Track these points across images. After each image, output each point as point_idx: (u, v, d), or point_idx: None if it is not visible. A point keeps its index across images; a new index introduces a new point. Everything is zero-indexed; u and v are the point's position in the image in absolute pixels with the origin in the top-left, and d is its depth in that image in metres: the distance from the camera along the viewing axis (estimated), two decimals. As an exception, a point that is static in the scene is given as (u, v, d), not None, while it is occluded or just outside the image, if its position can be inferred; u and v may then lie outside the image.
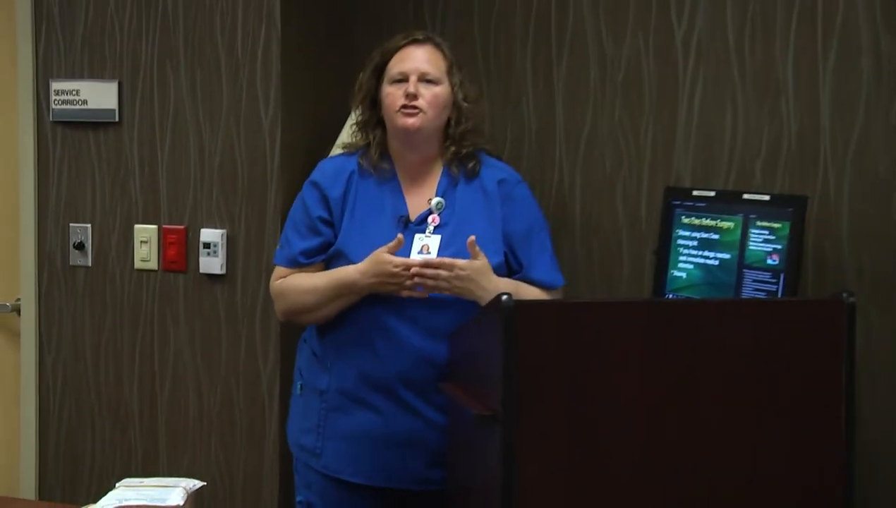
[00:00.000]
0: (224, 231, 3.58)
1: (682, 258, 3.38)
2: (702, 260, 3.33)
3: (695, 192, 3.40)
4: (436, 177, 3.02)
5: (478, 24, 3.82)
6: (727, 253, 3.27)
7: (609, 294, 3.67)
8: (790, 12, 3.43)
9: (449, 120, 3.02)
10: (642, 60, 3.61)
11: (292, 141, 3.57)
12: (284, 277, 3.05)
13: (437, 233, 2.95)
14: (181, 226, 3.65)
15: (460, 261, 2.84)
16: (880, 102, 3.33)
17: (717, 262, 3.29)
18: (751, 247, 3.23)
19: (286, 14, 3.55)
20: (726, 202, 3.32)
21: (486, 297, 2.83)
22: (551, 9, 3.72)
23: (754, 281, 3.21)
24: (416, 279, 2.82)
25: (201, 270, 3.62)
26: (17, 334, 3.87)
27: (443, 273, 2.81)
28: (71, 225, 3.77)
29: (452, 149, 3.01)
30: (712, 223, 3.32)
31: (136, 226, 3.70)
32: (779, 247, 3.16)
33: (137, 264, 3.70)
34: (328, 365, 3.00)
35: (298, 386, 3.09)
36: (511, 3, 3.77)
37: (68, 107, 3.72)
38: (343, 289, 2.91)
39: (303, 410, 3.06)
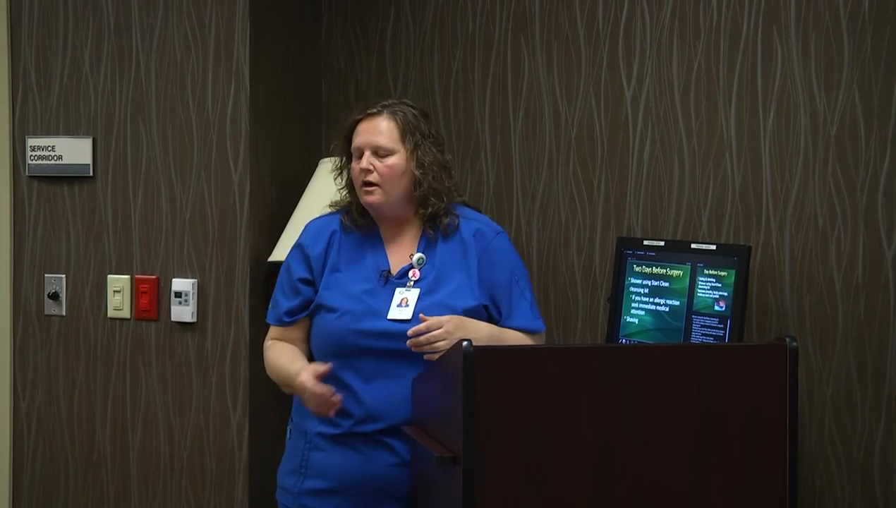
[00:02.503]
0: (195, 280, 3.68)
1: (634, 304, 3.47)
2: (653, 307, 3.42)
3: (645, 242, 3.50)
4: (415, 231, 3.07)
5: (438, 82, 3.96)
6: (677, 299, 3.36)
7: (565, 339, 3.78)
8: (732, 74, 3.57)
9: (411, 185, 3.04)
10: (594, 118, 3.74)
11: (260, 193, 3.69)
12: (275, 338, 3.13)
13: (417, 288, 3.00)
14: (153, 276, 3.74)
15: (441, 318, 2.87)
16: (818, 157, 3.48)
17: (667, 309, 3.38)
18: (699, 294, 3.31)
19: (254, 74, 3.67)
20: (675, 251, 3.40)
21: (481, 342, 2.85)
22: (507, 68, 3.85)
23: (702, 326, 3.29)
24: (415, 349, 2.87)
25: (173, 318, 3.71)
26: (-8, 381, 3.93)
27: (435, 332, 2.85)
28: (46, 275, 3.84)
29: (421, 211, 3.05)
30: (662, 271, 3.41)
31: (110, 276, 3.79)
32: (725, 293, 3.24)
33: (111, 313, 3.78)
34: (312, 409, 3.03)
35: (289, 430, 3.15)
36: (470, 64, 3.90)
37: (44, 162, 3.82)
38: (290, 388, 3.02)
39: (289, 452, 3.13)
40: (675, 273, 3.38)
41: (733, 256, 3.27)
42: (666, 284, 3.40)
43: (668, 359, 2.64)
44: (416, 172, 3.01)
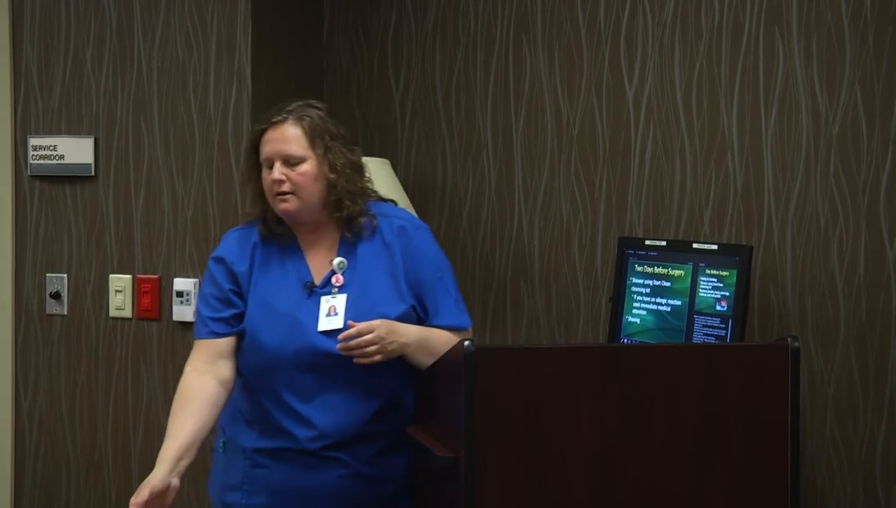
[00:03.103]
0: (197, 280, 3.68)
1: (635, 304, 3.47)
2: (654, 307, 3.42)
3: (647, 242, 3.50)
4: (334, 237, 2.97)
5: (440, 83, 3.97)
6: (678, 299, 3.36)
7: (567, 339, 3.79)
8: (733, 73, 3.58)
9: (324, 190, 2.94)
10: (596, 117, 3.75)
11: (262, 194, 3.68)
12: (203, 351, 2.93)
13: (343, 293, 2.91)
14: (155, 276, 3.74)
15: (372, 323, 2.80)
16: (819, 157, 3.49)
17: (669, 308, 3.39)
18: (700, 294, 3.31)
19: (256, 73, 3.67)
20: (677, 251, 3.41)
21: (411, 346, 2.84)
22: (509, 67, 3.87)
23: (704, 326, 3.30)
24: (345, 354, 2.78)
25: (174, 318, 3.71)
26: (-6, 381, 3.94)
27: (366, 337, 2.77)
28: (47, 275, 3.85)
29: (337, 214, 2.95)
30: (664, 271, 3.41)
31: (111, 276, 3.79)
32: (727, 293, 3.24)
33: (112, 312, 3.79)
34: (253, 425, 2.93)
35: (221, 443, 3.02)
36: (471, 64, 3.91)
37: (45, 162, 3.82)
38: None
39: (225, 466, 2.98)
40: (677, 273, 3.38)
41: (735, 256, 3.27)
42: (667, 284, 3.40)
43: (668, 359, 2.63)
44: (330, 176, 2.90)
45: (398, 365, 2.88)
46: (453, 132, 3.94)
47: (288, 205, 2.87)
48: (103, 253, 3.80)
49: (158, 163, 3.73)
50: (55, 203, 3.83)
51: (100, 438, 3.81)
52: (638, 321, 3.47)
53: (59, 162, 3.81)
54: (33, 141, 3.83)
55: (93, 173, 3.79)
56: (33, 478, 3.88)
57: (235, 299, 2.93)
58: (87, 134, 3.79)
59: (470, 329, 3.04)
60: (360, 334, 2.77)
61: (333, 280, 2.90)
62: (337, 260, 2.90)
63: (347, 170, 2.94)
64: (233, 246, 2.98)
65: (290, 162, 2.87)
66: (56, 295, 3.83)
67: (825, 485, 3.50)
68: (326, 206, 2.93)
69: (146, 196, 3.75)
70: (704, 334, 3.28)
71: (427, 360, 2.86)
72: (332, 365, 2.82)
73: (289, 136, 2.88)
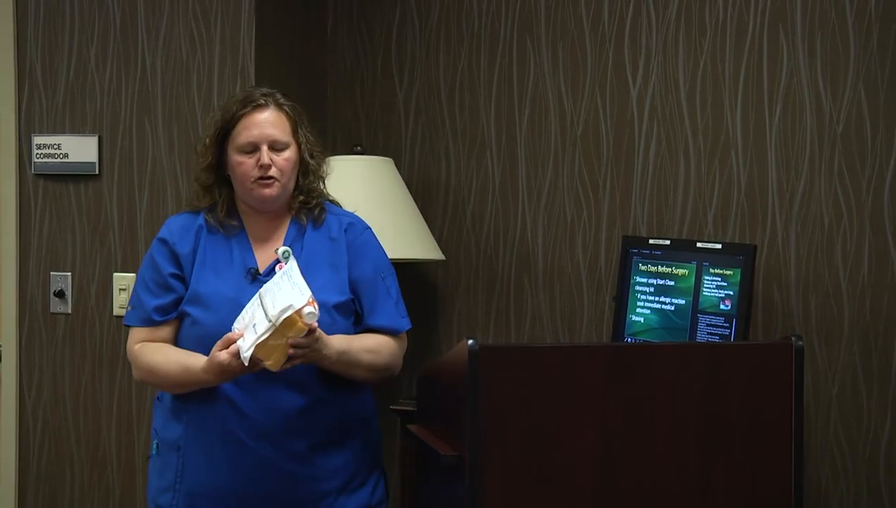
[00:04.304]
0: (200, 279, 3.67)
1: (639, 303, 3.47)
2: (658, 306, 3.42)
3: (651, 241, 3.49)
4: (283, 228, 2.97)
5: (443, 81, 3.97)
6: (682, 298, 3.36)
7: (570, 338, 3.79)
8: (738, 72, 3.58)
9: (297, 175, 2.96)
10: (600, 117, 3.75)
11: (266, 192, 3.67)
12: (139, 340, 2.93)
13: None
14: (159, 275, 3.75)
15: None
16: (824, 156, 3.48)
17: (672, 308, 3.38)
18: (704, 293, 3.31)
19: (260, 72, 3.67)
20: (681, 250, 3.40)
21: (328, 356, 2.75)
22: (513, 66, 3.87)
23: (708, 325, 3.29)
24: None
25: (179, 317, 3.71)
26: (-2, 379, 3.95)
27: (304, 341, 2.69)
28: (51, 273, 3.84)
29: (301, 199, 2.95)
30: (668, 270, 3.41)
31: (115, 274, 3.79)
32: (731, 292, 3.24)
33: (116, 311, 3.79)
34: (183, 419, 2.88)
35: (154, 446, 2.96)
36: (475, 62, 3.92)
37: (50, 160, 3.82)
38: (190, 386, 2.83)
39: (160, 469, 2.93)
40: (681, 272, 3.38)
41: (739, 255, 3.26)
42: (671, 283, 3.40)
43: (672, 358, 2.63)
44: (311, 162, 2.95)
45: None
46: (457, 131, 3.94)
47: (272, 191, 2.87)
48: (107, 251, 3.80)
49: (162, 162, 3.73)
50: (59, 201, 3.83)
51: (103, 436, 3.81)
52: (642, 320, 3.46)
53: (63, 160, 3.81)
54: (37, 139, 3.83)
55: (97, 172, 3.79)
56: (37, 476, 3.88)
57: (175, 283, 2.90)
58: (91, 132, 3.79)
59: (405, 334, 3.01)
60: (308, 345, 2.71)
61: (277, 268, 2.86)
62: (282, 249, 2.85)
63: (319, 158, 2.99)
64: (176, 228, 2.96)
65: (277, 147, 2.87)
66: (60, 294, 3.83)
67: (829, 484, 3.50)
68: (293, 192, 2.94)
69: (150, 194, 3.75)
70: (708, 333, 3.28)
71: (348, 372, 2.83)
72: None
73: (273, 121, 2.88)
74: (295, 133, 2.91)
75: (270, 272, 2.88)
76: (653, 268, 3.45)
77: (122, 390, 3.79)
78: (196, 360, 2.80)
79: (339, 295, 2.88)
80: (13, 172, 3.85)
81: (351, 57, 4.08)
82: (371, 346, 2.89)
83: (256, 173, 2.85)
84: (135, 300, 2.95)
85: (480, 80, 3.91)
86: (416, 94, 4.00)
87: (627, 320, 3.50)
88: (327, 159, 3.05)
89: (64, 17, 3.80)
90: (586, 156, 3.78)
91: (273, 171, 2.85)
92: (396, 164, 3.90)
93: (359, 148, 3.81)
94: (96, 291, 3.81)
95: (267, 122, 2.87)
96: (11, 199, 3.85)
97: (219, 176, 2.95)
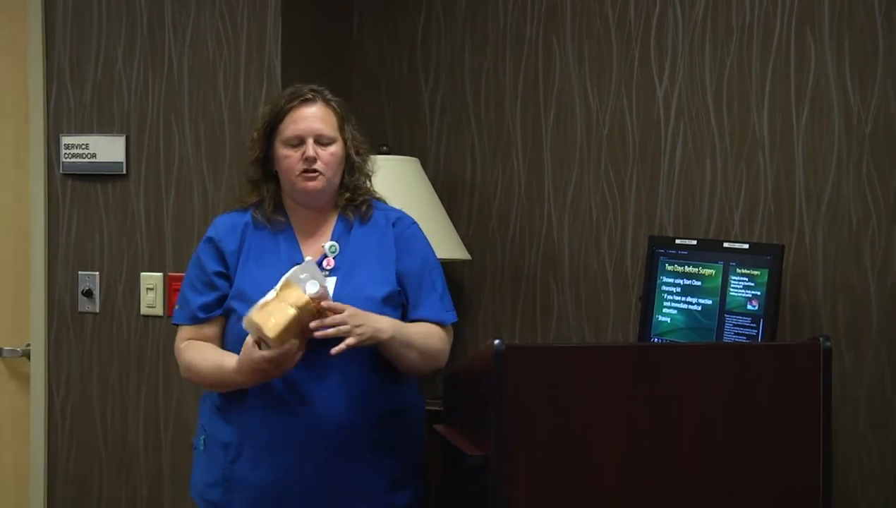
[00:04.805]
0: (227, 278, 3.68)
1: (666, 303, 3.46)
2: (685, 306, 3.41)
3: (677, 241, 3.49)
4: (330, 224, 2.99)
5: (469, 81, 3.97)
6: (709, 299, 3.35)
7: (596, 338, 3.78)
8: (764, 72, 3.57)
9: (343, 172, 2.98)
10: (626, 116, 3.74)
11: (292, 192, 3.68)
12: (186, 338, 2.98)
13: (333, 276, 2.90)
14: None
15: (345, 305, 2.75)
16: (851, 157, 3.47)
17: (699, 308, 3.37)
18: (731, 294, 3.30)
19: (286, 71, 3.67)
20: (707, 250, 3.39)
21: (386, 332, 2.78)
22: (539, 65, 3.86)
23: (735, 325, 3.28)
24: (319, 334, 2.72)
25: (206, 316, 3.72)
26: (27, 378, 3.95)
27: (337, 317, 2.73)
28: (79, 272, 3.86)
29: (347, 196, 2.98)
30: (694, 270, 3.40)
31: (143, 274, 3.80)
32: (758, 293, 3.23)
33: (143, 310, 3.80)
34: (231, 418, 2.91)
35: (201, 441, 2.99)
36: (501, 61, 3.91)
37: (77, 160, 3.83)
38: (225, 386, 2.87)
39: (206, 464, 2.96)
40: (708, 272, 3.37)
41: (766, 255, 3.25)
42: (698, 283, 3.39)
43: (699, 359, 2.63)
44: (356, 159, 2.97)
45: (380, 361, 2.86)
46: (482, 130, 3.94)
47: (316, 184, 2.89)
48: (134, 251, 3.81)
49: (189, 162, 3.74)
50: (87, 201, 3.85)
51: (131, 435, 3.82)
52: (668, 320, 3.45)
53: (91, 160, 3.82)
54: (65, 139, 3.85)
55: (124, 171, 3.80)
56: (65, 475, 3.89)
57: (220, 281, 2.94)
58: (119, 132, 3.81)
59: (451, 326, 3.02)
60: (330, 309, 2.73)
61: (325, 263, 2.91)
62: (329, 243, 2.91)
63: (365, 155, 3.01)
64: (223, 227, 3.00)
65: (323, 141, 2.90)
66: (88, 293, 3.84)
67: (857, 487, 3.48)
68: (339, 189, 2.97)
69: (177, 194, 3.76)
70: (735, 333, 3.27)
71: (405, 352, 2.84)
72: (318, 345, 2.76)
73: (321, 116, 2.92)
74: (341, 129, 2.95)
75: (318, 266, 2.89)
76: (679, 268, 3.44)
77: (149, 389, 3.80)
78: (229, 360, 2.82)
79: (387, 288, 2.90)
80: (42, 172, 3.87)
81: (377, 56, 4.09)
82: (424, 331, 2.92)
83: (301, 166, 2.88)
84: (182, 299, 3.00)
85: (506, 79, 3.91)
86: (441, 94, 4.00)
87: (654, 320, 3.49)
88: (373, 157, 3.07)
89: (91, 18, 3.82)
90: (612, 156, 3.77)
91: (318, 165, 2.88)
92: (422, 164, 3.90)
93: (385, 148, 3.81)
94: (123, 290, 3.82)
95: (314, 117, 2.91)
96: (40, 199, 3.87)
97: (266, 171, 2.98)
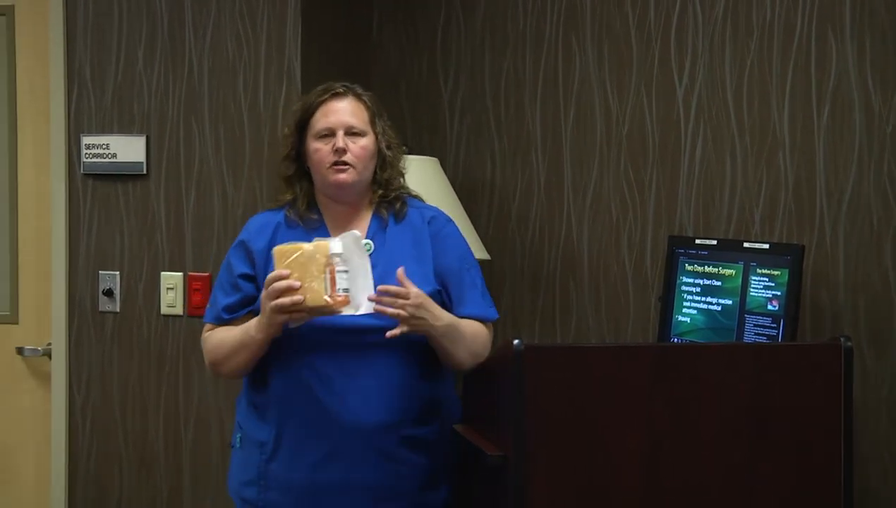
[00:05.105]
0: (247, 278, 3.68)
1: (685, 304, 3.46)
2: (705, 306, 3.40)
3: (697, 241, 3.49)
4: (364, 222, 2.97)
5: (489, 81, 3.97)
6: (729, 299, 3.34)
7: (616, 338, 3.78)
8: (785, 71, 3.56)
9: (375, 168, 2.96)
10: (645, 116, 3.74)
11: (312, 192, 3.68)
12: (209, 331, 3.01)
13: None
14: (205, 274, 3.75)
15: (413, 290, 2.73)
16: (872, 156, 3.45)
17: (719, 308, 3.36)
18: (751, 294, 3.29)
19: (306, 72, 3.67)
20: (727, 250, 3.38)
21: (438, 327, 2.78)
22: (559, 65, 3.86)
23: (755, 325, 3.27)
24: (377, 307, 2.70)
25: (225, 316, 3.72)
26: (48, 377, 3.96)
27: (399, 300, 2.72)
28: (100, 272, 3.86)
29: (380, 193, 2.97)
30: (714, 270, 3.39)
31: (163, 274, 3.81)
32: (778, 293, 3.22)
33: (164, 310, 3.81)
34: (267, 416, 2.90)
35: (237, 439, 2.99)
36: (521, 62, 3.91)
37: (98, 160, 3.84)
38: (243, 339, 2.85)
39: (242, 462, 2.96)
40: (728, 272, 3.36)
41: (787, 255, 3.24)
42: (718, 283, 3.38)
43: (719, 359, 2.62)
44: (387, 153, 2.97)
45: (418, 358, 2.86)
46: (502, 130, 3.94)
47: (346, 176, 2.88)
48: (155, 250, 3.82)
49: (209, 162, 3.75)
50: (108, 201, 3.85)
51: (151, 435, 3.83)
52: (688, 320, 3.45)
53: (112, 160, 3.83)
54: (86, 139, 3.85)
55: (145, 171, 3.81)
56: (86, 474, 3.90)
57: (244, 284, 2.94)
58: (139, 132, 3.81)
59: (492, 325, 3.01)
60: (398, 295, 2.72)
61: None
62: (364, 241, 2.86)
63: (397, 152, 3.01)
64: (254, 228, 3.00)
65: (353, 132, 2.90)
66: (108, 293, 3.85)
67: (879, 487, 3.46)
68: (369, 187, 2.96)
69: (197, 194, 3.77)
70: (755, 334, 3.26)
71: (452, 347, 2.84)
72: (353, 343, 2.78)
73: (353, 110, 2.93)
74: (372, 123, 2.95)
75: None
76: (699, 268, 3.43)
77: (169, 388, 3.81)
78: (254, 321, 2.83)
79: (426, 287, 2.86)
80: (63, 172, 3.88)
81: (396, 57, 4.09)
82: (472, 328, 2.91)
83: (332, 158, 2.88)
84: (212, 297, 3.02)
85: (526, 79, 3.91)
86: (461, 94, 4.00)
87: (673, 320, 3.48)
88: (405, 156, 3.06)
89: (112, 18, 3.82)
90: (632, 156, 3.77)
91: (348, 157, 2.87)
92: (442, 164, 3.90)
93: (404, 148, 3.81)
94: (144, 290, 3.83)
95: (344, 110, 2.92)
96: (61, 199, 3.88)
97: (299, 168, 2.98)
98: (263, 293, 2.73)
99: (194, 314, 3.76)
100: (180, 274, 3.79)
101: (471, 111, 4.00)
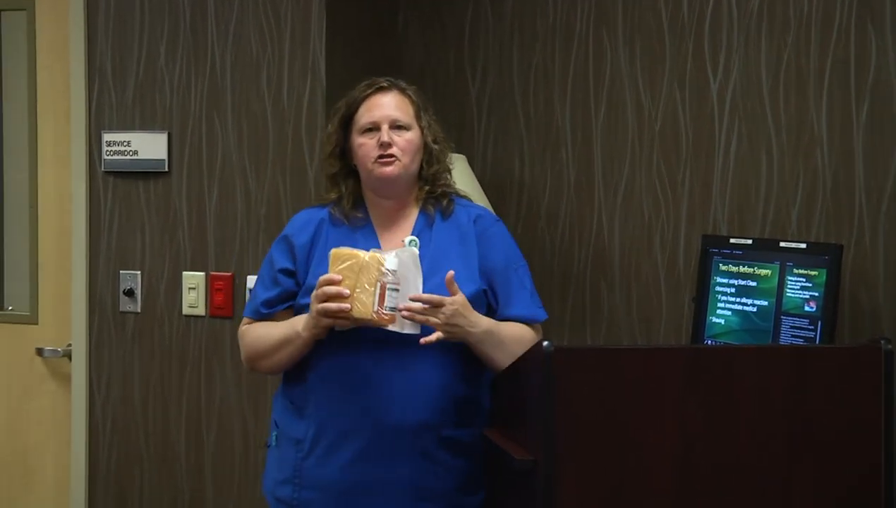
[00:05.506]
0: (270, 278, 3.64)
1: (720, 305, 3.40)
2: (740, 307, 3.35)
3: (732, 240, 3.44)
4: (411, 219, 2.96)
5: (517, 77, 3.92)
6: (765, 299, 3.29)
7: (648, 340, 3.73)
8: (823, 66, 3.50)
9: (421, 163, 2.95)
10: (679, 112, 3.68)
11: (336, 190, 3.64)
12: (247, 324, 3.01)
13: None
14: (228, 273, 3.72)
15: (447, 298, 2.73)
16: (914, 153, 3.40)
17: (755, 309, 3.32)
18: (788, 294, 3.24)
19: (330, 68, 3.63)
20: (763, 250, 3.35)
21: (475, 334, 2.77)
22: (589, 61, 3.80)
23: (792, 327, 3.23)
24: (406, 314, 2.71)
25: (248, 316, 3.68)
26: (68, 379, 3.93)
27: (434, 300, 2.71)
28: (121, 272, 3.83)
29: (427, 189, 2.96)
30: (750, 270, 3.34)
31: (185, 273, 3.77)
32: (816, 294, 3.17)
33: (185, 310, 3.77)
34: (305, 413, 2.89)
35: (273, 437, 2.98)
36: (550, 57, 3.86)
37: (119, 157, 3.80)
38: (289, 335, 2.84)
39: (278, 461, 2.95)
40: (763, 272, 3.32)
41: (824, 255, 3.20)
42: (753, 284, 3.34)
43: (754, 362, 2.57)
44: (434, 147, 2.95)
45: (460, 359, 2.84)
46: (531, 127, 3.89)
47: (392, 169, 2.87)
48: (176, 250, 3.78)
49: (232, 159, 3.70)
50: (129, 199, 3.82)
51: (172, 437, 3.80)
52: (722, 322, 3.40)
53: (133, 157, 3.80)
54: (107, 136, 3.82)
55: (166, 169, 3.77)
56: (106, 477, 3.88)
57: (284, 279, 2.94)
58: (161, 129, 3.78)
59: (540, 325, 2.99)
60: (432, 302, 2.71)
61: None
62: (409, 238, 2.88)
63: (444, 147, 3.00)
64: (298, 223, 3.01)
65: (399, 126, 2.89)
66: (129, 293, 3.82)
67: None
68: (416, 183, 2.95)
69: (219, 192, 3.72)
70: (792, 336, 3.22)
71: (492, 353, 2.82)
72: (395, 341, 2.76)
73: (398, 104, 2.92)
74: (418, 117, 2.94)
75: None
76: (734, 269, 3.39)
77: (191, 390, 3.78)
78: (295, 318, 2.85)
79: (472, 287, 2.86)
80: (83, 170, 3.85)
81: (422, 52, 4.04)
82: (516, 333, 2.89)
83: (377, 152, 2.86)
84: (253, 291, 3.03)
85: (555, 74, 3.85)
86: (489, 90, 3.95)
87: (707, 322, 3.44)
88: (451, 149, 3.05)
89: (134, 13, 3.79)
90: (665, 153, 3.71)
91: (394, 150, 2.87)
92: (469, 162, 3.85)
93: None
94: (165, 290, 3.79)
95: (389, 104, 2.91)
96: (81, 197, 3.86)
97: (344, 165, 2.97)
98: (313, 293, 2.74)
99: (216, 314, 3.74)
100: (202, 273, 3.75)
101: (499, 108, 3.95)
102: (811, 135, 3.51)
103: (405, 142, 2.88)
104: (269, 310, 2.94)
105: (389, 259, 2.71)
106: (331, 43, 3.64)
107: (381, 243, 2.91)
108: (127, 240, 3.83)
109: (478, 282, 2.88)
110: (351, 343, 2.79)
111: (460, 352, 2.83)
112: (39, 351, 4.02)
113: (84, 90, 3.84)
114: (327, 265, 2.77)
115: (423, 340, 2.71)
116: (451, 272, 2.75)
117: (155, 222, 3.80)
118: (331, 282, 2.69)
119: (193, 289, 3.76)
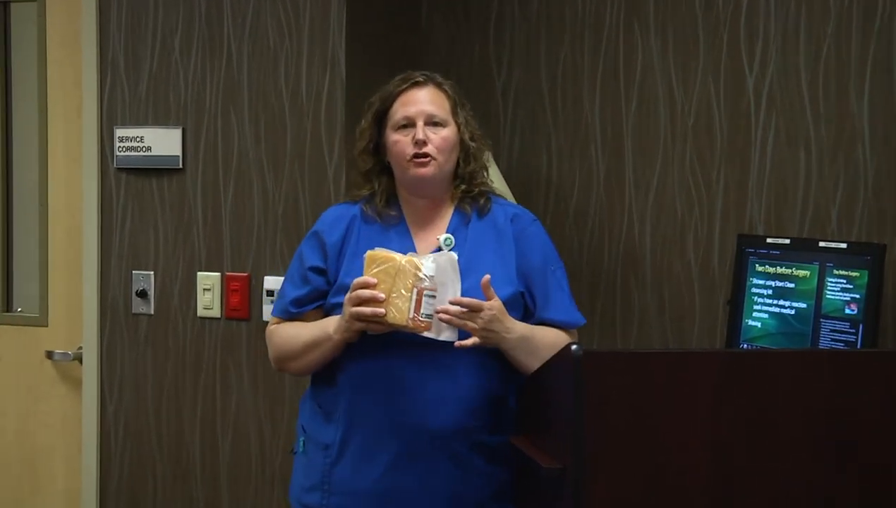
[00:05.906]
0: (287, 278, 3.57)
1: (756, 307, 3.36)
2: (777, 310, 3.30)
3: (769, 240, 3.39)
4: (446, 217, 2.90)
5: (545, 72, 3.85)
6: (803, 302, 3.24)
7: (681, 343, 3.67)
8: (865, 57, 3.43)
9: (457, 160, 2.91)
10: (713, 107, 3.62)
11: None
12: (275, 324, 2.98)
13: None
14: (244, 274, 3.64)
15: (486, 303, 2.70)
16: (960, 148, 3.31)
17: (792, 311, 3.27)
18: (828, 296, 3.19)
19: (350, 61, 3.55)
20: (802, 250, 3.30)
21: (510, 340, 2.73)
22: (619, 55, 3.74)
23: (832, 331, 3.18)
24: (444, 317, 2.66)
25: (264, 318, 3.59)
26: (79, 382, 3.88)
27: (473, 305, 2.67)
28: (134, 272, 3.77)
29: (463, 187, 2.90)
30: (787, 271, 3.29)
31: (199, 274, 3.70)
32: (857, 296, 3.12)
33: (200, 312, 3.70)
34: (333, 417, 2.84)
35: (301, 443, 2.94)
36: (579, 50, 3.79)
37: (132, 154, 3.74)
38: (319, 337, 2.79)
39: (305, 467, 2.91)
40: (802, 273, 3.27)
41: (866, 255, 3.15)
42: (791, 285, 3.29)
43: (792, 366, 2.49)
44: (471, 145, 2.89)
45: (495, 364, 2.78)
46: (559, 122, 3.82)
47: (428, 170, 2.81)
48: (191, 249, 3.71)
49: (248, 156, 3.63)
50: (142, 197, 3.75)
51: (186, 441, 3.73)
52: (759, 325, 3.34)
53: (146, 154, 3.73)
54: (120, 132, 3.75)
55: (180, 165, 3.70)
56: (119, 482, 3.82)
57: (314, 277, 2.88)
58: (175, 124, 3.70)
59: (576, 331, 2.95)
60: (471, 307, 2.66)
61: None
62: (444, 236, 2.83)
63: (480, 144, 2.93)
64: (329, 219, 2.95)
65: (434, 122, 2.83)
66: (142, 294, 3.75)
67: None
68: (451, 181, 2.89)
69: (235, 190, 3.65)
70: (832, 339, 3.17)
71: (526, 360, 2.76)
72: (428, 344, 2.70)
73: (434, 99, 2.86)
74: (454, 113, 2.87)
75: None
76: (771, 269, 3.33)
77: (205, 393, 3.70)
78: (326, 319, 2.80)
79: (509, 289, 2.80)
80: (95, 166, 3.79)
81: (446, 45, 3.97)
82: (551, 340, 2.83)
83: (412, 151, 2.80)
84: (280, 290, 2.98)
85: (584, 67, 3.78)
86: (515, 84, 3.88)
87: (743, 325, 3.38)
88: (487, 146, 2.98)
89: (147, 5, 3.73)
90: (698, 149, 3.64)
91: (429, 148, 2.80)
92: (495, 157, 3.76)
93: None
94: (179, 291, 3.72)
95: (424, 99, 2.85)
96: (93, 195, 3.80)
97: (377, 161, 2.91)
98: (346, 295, 2.68)
99: (232, 316, 3.68)
100: (218, 274, 3.68)
101: (526, 102, 3.88)
102: (852, 130, 3.45)
103: (441, 139, 2.82)
104: (299, 310, 2.88)
105: (427, 264, 2.64)
106: (351, 35, 3.56)
107: (415, 242, 2.86)
108: (140, 239, 3.76)
109: (515, 284, 2.83)
110: (384, 346, 2.73)
111: (495, 357, 2.78)
112: (49, 354, 3.97)
113: (96, 84, 3.78)
114: (359, 263, 2.72)
115: (458, 343, 2.67)
116: (488, 276, 2.70)
117: (169, 221, 3.73)
118: (365, 286, 2.63)
119: (208, 290, 3.69)
